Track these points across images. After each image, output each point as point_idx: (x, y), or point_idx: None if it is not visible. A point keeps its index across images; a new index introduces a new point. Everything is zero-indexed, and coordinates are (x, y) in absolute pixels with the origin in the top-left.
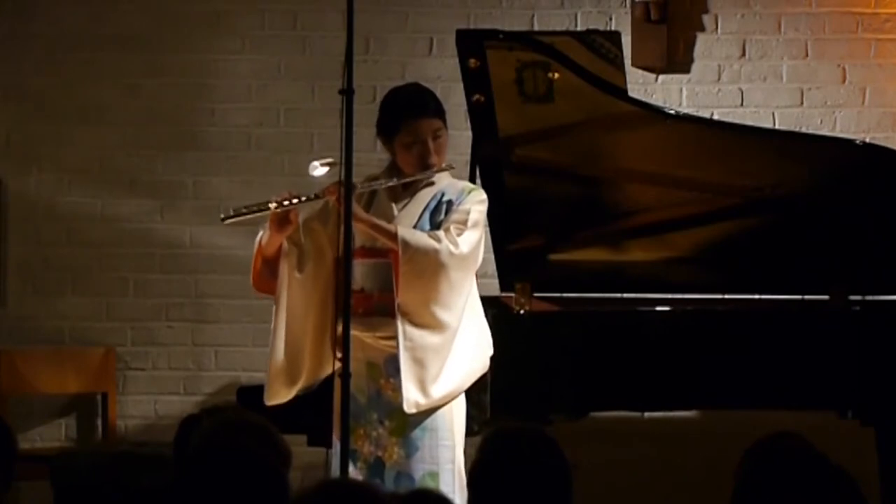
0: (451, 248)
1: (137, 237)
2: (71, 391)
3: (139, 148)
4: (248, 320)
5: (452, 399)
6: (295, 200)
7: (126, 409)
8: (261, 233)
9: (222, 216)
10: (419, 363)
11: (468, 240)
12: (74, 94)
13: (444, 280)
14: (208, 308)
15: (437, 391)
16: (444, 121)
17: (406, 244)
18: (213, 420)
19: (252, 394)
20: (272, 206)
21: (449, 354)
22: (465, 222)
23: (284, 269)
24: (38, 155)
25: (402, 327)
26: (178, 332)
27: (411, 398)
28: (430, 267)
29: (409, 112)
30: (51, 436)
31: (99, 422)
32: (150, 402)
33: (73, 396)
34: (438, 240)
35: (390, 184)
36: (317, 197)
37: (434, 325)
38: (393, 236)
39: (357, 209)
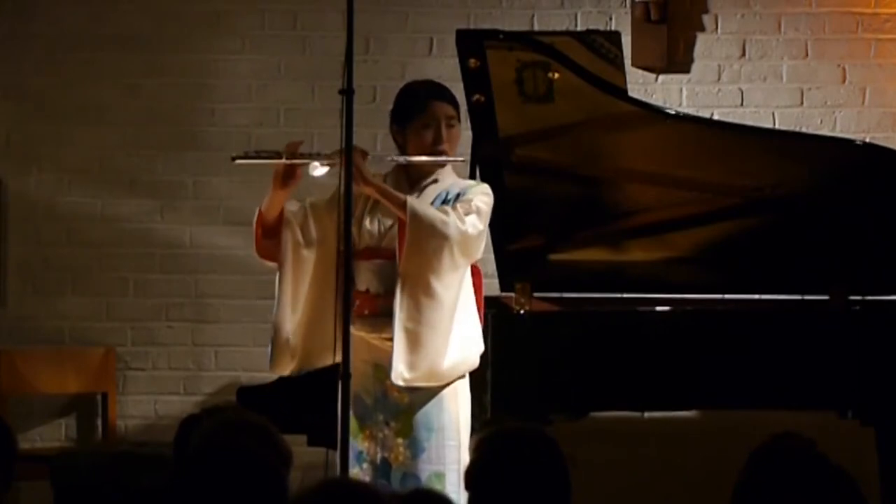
0: (458, 223)
1: (137, 237)
2: (71, 391)
3: (139, 148)
4: (248, 320)
5: (438, 384)
6: (305, 154)
7: (126, 409)
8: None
9: (233, 155)
10: (412, 336)
11: (473, 222)
12: (74, 94)
13: (448, 253)
14: (208, 308)
15: (426, 369)
16: (459, 113)
17: (414, 211)
18: (213, 420)
19: (252, 394)
20: (284, 157)
21: (443, 336)
22: (469, 205)
23: (288, 237)
24: (38, 155)
25: (399, 295)
26: (178, 332)
27: (398, 369)
28: (436, 237)
29: (427, 95)
30: (51, 436)
31: (99, 422)
32: (150, 402)
33: (73, 396)
34: (447, 213)
35: (401, 160)
36: (328, 157)
37: (431, 296)
38: (402, 204)
39: (367, 174)
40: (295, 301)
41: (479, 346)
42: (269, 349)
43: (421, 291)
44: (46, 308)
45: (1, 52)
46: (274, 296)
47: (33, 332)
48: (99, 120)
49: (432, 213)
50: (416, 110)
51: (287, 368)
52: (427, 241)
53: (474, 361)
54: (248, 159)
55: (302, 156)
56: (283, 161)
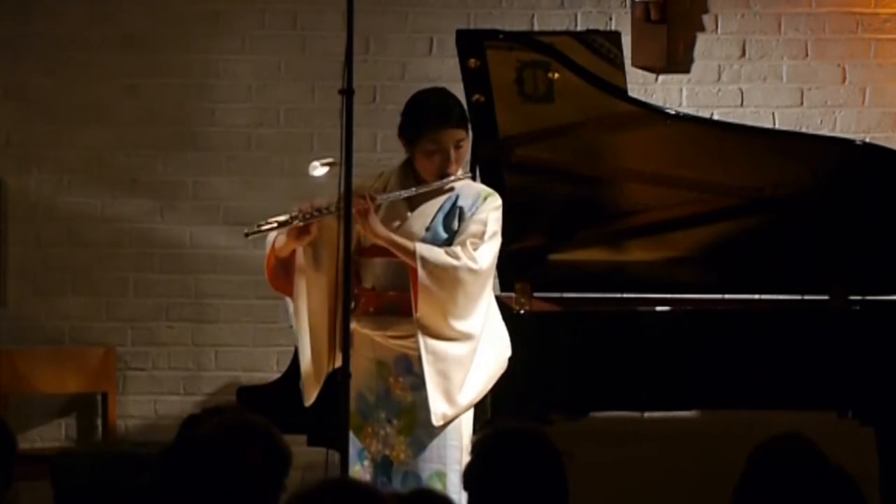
0: (471, 264)
1: (137, 237)
2: (71, 391)
3: (139, 148)
4: (248, 320)
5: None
6: (317, 213)
7: (126, 409)
8: (273, 233)
9: (246, 231)
10: (443, 375)
11: (486, 252)
12: (74, 94)
13: (462, 294)
14: (208, 308)
15: (464, 399)
16: (468, 130)
17: (425, 261)
18: (213, 420)
19: (252, 394)
20: (296, 221)
21: (472, 362)
22: (481, 235)
23: (302, 269)
24: (38, 155)
25: (422, 340)
26: (178, 332)
27: (439, 410)
28: (448, 283)
29: (434, 121)
30: (51, 436)
31: (99, 422)
32: (150, 402)
33: (73, 396)
34: (457, 257)
35: (409, 194)
36: (338, 210)
37: (454, 337)
38: (411, 253)
39: (376, 225)
40: (318, 324)
41: (507, 352)
42: (303, 385)
43: (443, 334)
44: (46, 308)
45: (1, 52)
46: (271, 295)
47: (33, 332)
48: (99, 120)
49: (442, 259)
50: (424, 135)
51: (316, 393)
52: (439, 288)
53: (504, 366)
54: (261, 232)
55: (314, 215)
56: (296, 225)
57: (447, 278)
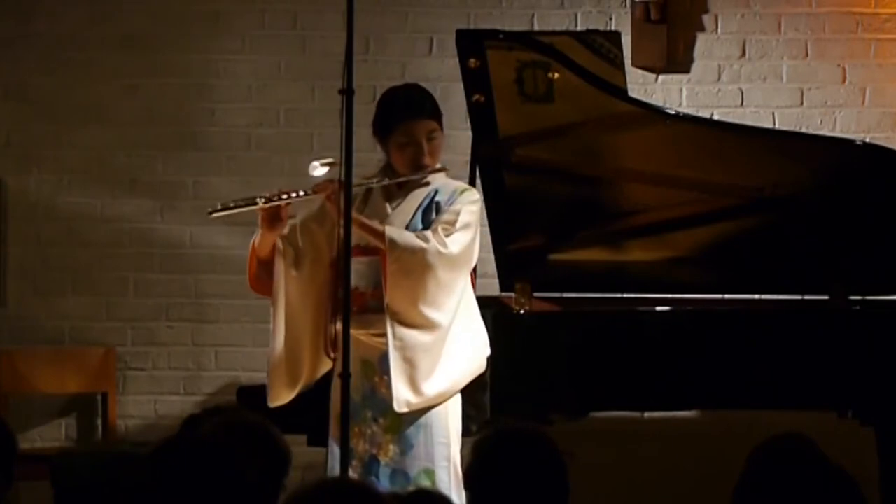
0: (440, 248)
1: (137, 237)
2: (71, 391)
3: (139, 148)
4: (248, 320)
5: (447, 399)
6: (284, 197)
7: (126, 409)
8: (256, 233)
9: (209, 210)
10: (409, 362)
11: (457, 240)
12: (74, 94)
13: (432, 280)
14: (208, 308)
15: (429, 389)
16: (440, 122)
17: (393, 243)
18: (213, 420)
19: (252, 394)
20: (260, 201)
21: (441, 353)
22: (453, 223)
23: (280, 269)
24: (38, 155)
25: (391, 327)
26: (178, 332)
27: (401, 397)
28: (418, 267)
29: (404, 113)
30: (51, 436)
31: (99, 422)
32: (150, 402)
33: (73, 396)
34: (426, 240)
35: (383, 183)
36: (307, 194)
37: (423, 324)
38: (381, 235)
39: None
40: (295, 328)
41: (485, 350)
42: (268, 383)
43: (412, 320)
44: (46, 308)
45: (1, 52)
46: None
47: (33, 332)
48: (99, 120)
49: (411, 241)
50: (394, 129)
51: (286, 398)
52: (408, 271)
53: (481, 365)
54: (225, 210)
55: (278, 197)
56: (261, 206)
57: (416, 261)
